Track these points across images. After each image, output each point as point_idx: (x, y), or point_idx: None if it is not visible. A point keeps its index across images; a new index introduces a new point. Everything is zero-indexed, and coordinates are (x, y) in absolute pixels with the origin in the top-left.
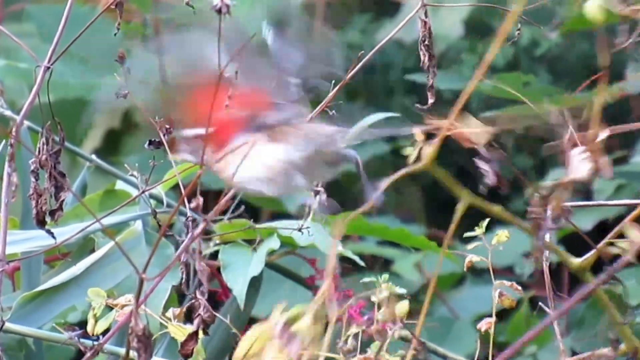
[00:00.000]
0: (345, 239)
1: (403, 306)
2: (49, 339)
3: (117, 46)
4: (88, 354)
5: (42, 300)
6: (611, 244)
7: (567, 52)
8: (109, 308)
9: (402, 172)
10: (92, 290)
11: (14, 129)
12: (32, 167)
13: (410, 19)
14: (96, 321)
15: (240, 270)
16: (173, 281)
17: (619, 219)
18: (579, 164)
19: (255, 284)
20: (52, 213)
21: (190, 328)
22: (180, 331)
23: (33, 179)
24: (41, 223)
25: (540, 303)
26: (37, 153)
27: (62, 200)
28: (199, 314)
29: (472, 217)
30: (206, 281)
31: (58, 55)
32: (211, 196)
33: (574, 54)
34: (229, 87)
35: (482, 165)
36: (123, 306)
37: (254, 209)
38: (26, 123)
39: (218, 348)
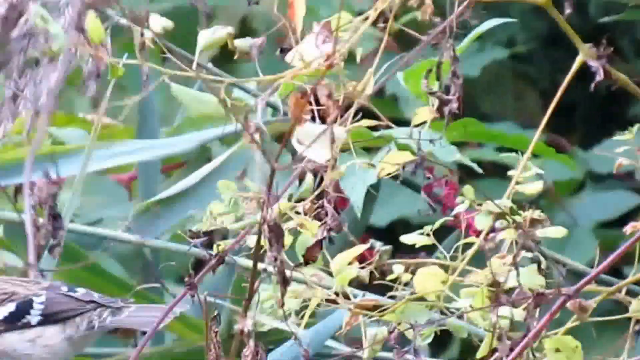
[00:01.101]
0: (464, 145)
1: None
2: (166, 249)
3: None
4: (212, 262)
5: (159, 210)
6: None
7: None
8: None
9: None
10: (222, 182)
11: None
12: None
13: None
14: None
15: (357, 178)
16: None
17: None
18: None
19: (372, 192)
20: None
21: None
22: (308, 226)
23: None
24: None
25: None
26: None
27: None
28: (325, 222)
29: (591, 123)
30: (332, 189)
31: None
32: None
33: None
34: None
35: (592, 63)
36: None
37: (373, 117)
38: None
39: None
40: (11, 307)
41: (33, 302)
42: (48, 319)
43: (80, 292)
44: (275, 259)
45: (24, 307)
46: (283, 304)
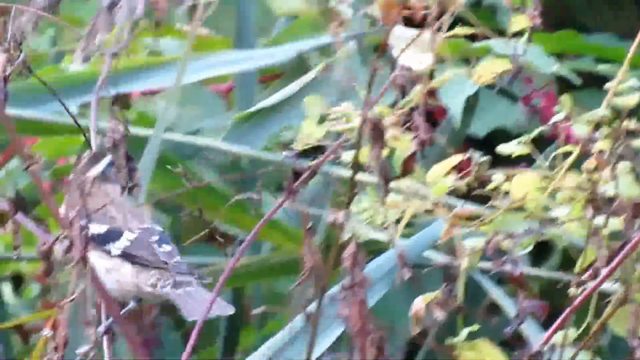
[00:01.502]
0: (562, 57)
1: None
2: (264, 159)
3: None
4: (304, 175)
5: (256, 120)
6: None
7: None
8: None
9: None
10: (309, 98)
11: None
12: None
13: None
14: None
15: (456, 89)
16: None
17: None
18: None
19: (471, 102)
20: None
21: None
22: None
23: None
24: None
25: None
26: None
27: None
28: (418, 134)
29: None
30: (423, 102)
31: None
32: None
33: None
34: None
35: None
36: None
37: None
38: None
39: None
40: (103, 229)
41: (122, 235)
42: (127, 258)
43: (166, 249)
44: (376, 159)
45: (113, 235)
46: (385, 203)
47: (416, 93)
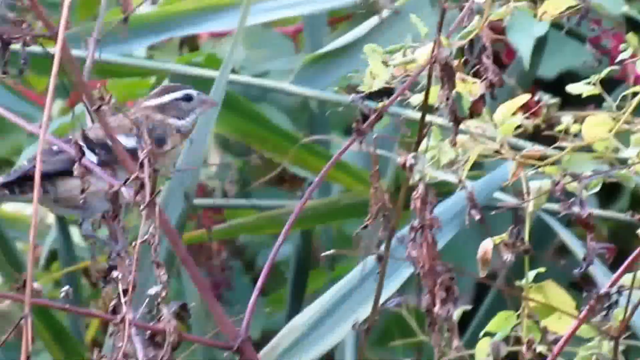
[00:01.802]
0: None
1: None
2: (332, 101)
3: None
4: (373, 115)
5: (325, 62)
6: None
7: None
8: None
9: None
10: (368, 47)
11: None
12: None
13: None
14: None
15: (525, 30)
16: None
17: None
18: None
19: (540, 44)
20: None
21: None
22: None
23: None
24: None
25: None
26: None
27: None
28: (487, 77)
29: None
30: (490, 44)
31: None
32: None
33: None
34: None
35: None
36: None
37: None
38: None
39: None
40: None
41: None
42: None
43: None
44: (447, 99)
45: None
46: (455, 144)
47: (478, 23)
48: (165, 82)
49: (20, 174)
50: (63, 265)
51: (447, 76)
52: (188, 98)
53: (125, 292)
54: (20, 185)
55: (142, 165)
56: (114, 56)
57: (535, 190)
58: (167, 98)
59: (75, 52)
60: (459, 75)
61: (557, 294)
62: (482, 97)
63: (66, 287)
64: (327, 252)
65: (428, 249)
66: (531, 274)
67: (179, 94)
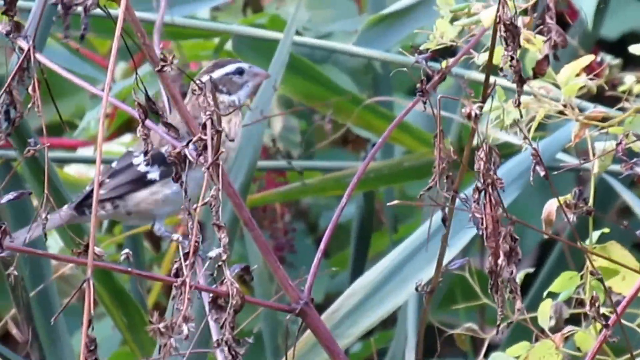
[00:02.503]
0: None
1: None
2: (396, 62)
3: None
4: (437, 76)
5: (388, 23)
6: None
7: None
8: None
9: None
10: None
11: None
12: None
13: None
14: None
15: None
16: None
17: None
18: None
19: (602, 5)
20: None
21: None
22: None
23: None
24: None
25: None
26: None
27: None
28: (550, 37)
29: None
30: (554, 4)
31: None
32: None
33: None
34: None
35: None
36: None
37: None
38: None
39: None
40: None
41: None
42: None
43: None
44: (512, 59)
45: None
46: (519, 104)
47: None
48: (229, 44)
49: (85, 196)
50: (125, 229)
51: (512, 36)
52: (239, 72)
53: (187, 254)
54: (89, 206)
55: (204, 126)
56: (178, 18)
57: (600, 151)
58: (218, 73)
59: (138, 14)
60: (524, 35)
61: (621, 255)
62: (546, 57)
63: (126, 250)
64: (392, 203)
65: (492, 210)
66: (595, 235)
67: (230, 68)
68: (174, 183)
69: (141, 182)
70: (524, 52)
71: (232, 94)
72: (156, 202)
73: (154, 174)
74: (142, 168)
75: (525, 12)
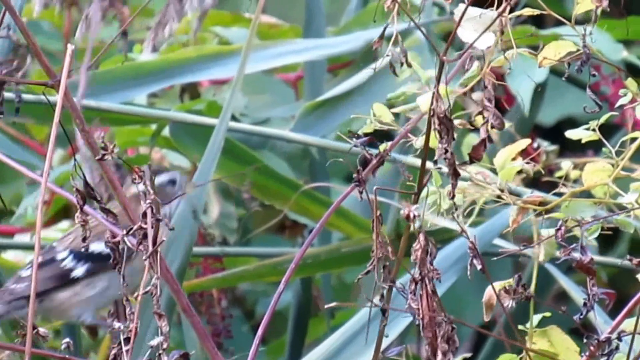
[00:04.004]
0: (630, 44)
1: None
2: (333, 148)
3: None
4: (374, 162)
5: (325, 109)
6: None
7: None
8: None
9: None
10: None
11: None
12: None
13: None
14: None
15: (524, 76)
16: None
17: None
18: None
19: (539, 91)
20: None
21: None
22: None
23: None
24: None
25: None
26: None
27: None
28: (487, 120)
29: None
30: (492, 88)
31: None
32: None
33: None
34: None
35: None
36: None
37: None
38: None
39: None
40: None
41: None
42: None
43: None
44: (446, 151)
45: None
46: (454, 196)
47: (478, 69)
48: (166, 130)
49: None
50: None
51: (446, 129)
52: (172, 182)
53: (126, 341)
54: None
55: (145, 214)
56: (115, 104)
57: (545, 237)
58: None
59: (76, 100)
60: (460, 122)
61: (561, 340)
62: (482, 141)
63: (67, 340)
64: (329, 305)
65: (428, 300)
66: (536, 319)
67: (163, 178)
68: (97, 283)
69: (64, 279)
70: (462, 137)
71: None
72: (80, 303)
73: (79, 271)
74: (67, 264)
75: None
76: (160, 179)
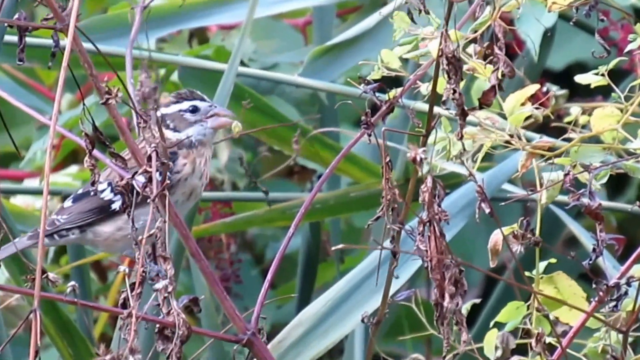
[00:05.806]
0: None
1: None
2: (342, 93)
3: None
4: (383, 108)
5: (334, 54)
6: None
7: None
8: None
9: None
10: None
11: None
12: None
13: None
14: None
15: (534, 21)
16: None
17: None
18: None
19: (548, 36)
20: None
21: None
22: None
23: None
24: None
25: None
26: None
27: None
28: (498, 67)
29: None
30: (502, 35)
31: None
32: None
33: None
34: None
35: None
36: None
37: None
38: None
39: None
40: None
41: None
42: None
43: None
44: (454, 92)
45: None
46: (462, 137)
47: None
48: (175, 75)
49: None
50: (72, 259)
51: (454, 69)
52: (193, 110)
53: (133, 285)
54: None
55: (150, 158)
56: (123, 49)
57: (548, 182)
58: (173, 108)
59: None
60: (472, 64)
61: (567, 285)
62: (492, 87)
63: (72, 283)
64: (337, 247)
65: (436, 242)
66: (542, 265)
67: (184, 105)
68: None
69: (105, 211)
70: (472, 82)
71: (179, 131)
72: (123, 238)
73: (118, 204)
74: (107, 196)
75: (474, 41)
76: (181, 105)
